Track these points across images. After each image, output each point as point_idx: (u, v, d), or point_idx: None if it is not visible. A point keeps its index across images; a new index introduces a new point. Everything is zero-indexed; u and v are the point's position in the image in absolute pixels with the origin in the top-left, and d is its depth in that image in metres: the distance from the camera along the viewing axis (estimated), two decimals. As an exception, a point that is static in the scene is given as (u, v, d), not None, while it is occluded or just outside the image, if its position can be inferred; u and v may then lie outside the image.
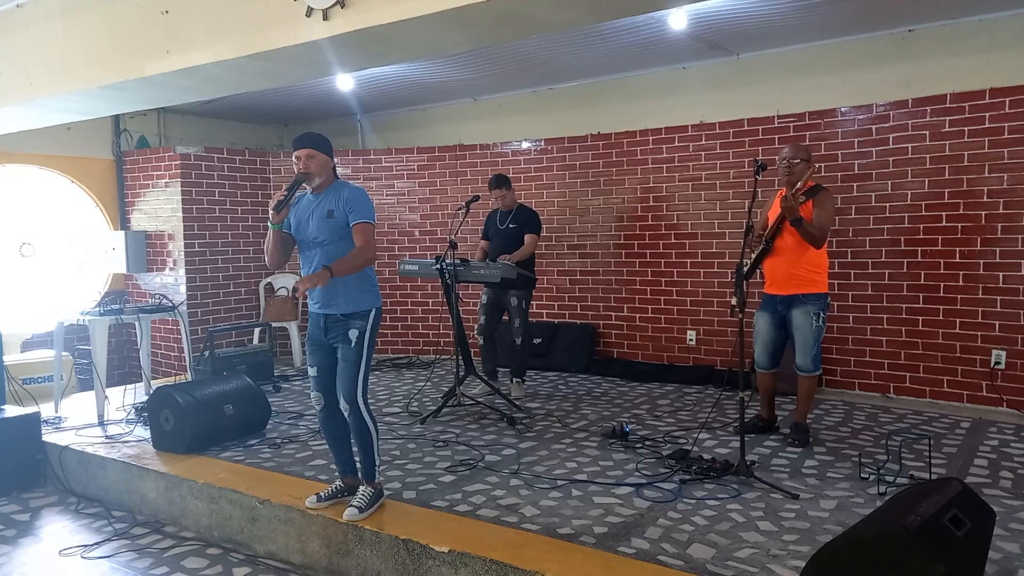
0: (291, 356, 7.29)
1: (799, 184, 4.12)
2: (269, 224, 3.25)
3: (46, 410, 5.16)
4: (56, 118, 5.48)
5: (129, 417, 5.04)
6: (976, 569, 2.42)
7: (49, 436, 4.71)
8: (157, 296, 5.75)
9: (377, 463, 3.41)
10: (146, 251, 7.30)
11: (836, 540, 2.36)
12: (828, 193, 4.25)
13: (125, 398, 5.41)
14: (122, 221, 7.48)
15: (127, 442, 4.58)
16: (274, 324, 7.02)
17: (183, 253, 7.04)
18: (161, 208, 7.19)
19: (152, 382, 5.73)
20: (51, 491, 4.50)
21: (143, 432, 4.69)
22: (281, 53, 3.53)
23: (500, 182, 5.59)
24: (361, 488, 3.37)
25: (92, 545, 3.69)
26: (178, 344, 7.01)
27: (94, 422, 5.01)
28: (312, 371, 3.40)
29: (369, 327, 3.29)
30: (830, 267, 5.46)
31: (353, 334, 3.25)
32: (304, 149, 3.24)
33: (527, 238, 5.49)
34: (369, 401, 3.37)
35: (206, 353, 5.82)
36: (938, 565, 2.09)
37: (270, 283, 7.56)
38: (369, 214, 3.27)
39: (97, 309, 5.29)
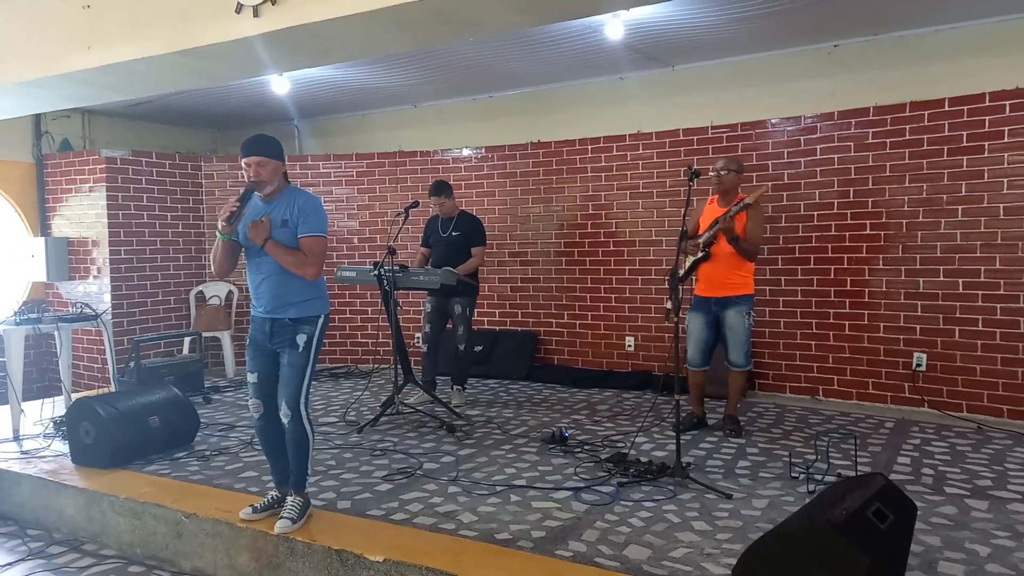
0: (223, 367, 7.07)
1: (740, 204, 4.26)
2: (218, 234, 3.13)
3: (-44, 425, 4.86)
4: (-32, 117, 5.21)
5: (47, 431, 4.79)
6: (899, 561, 2.50)
7: (-41, 452, 4.44)
8: (79, 305, 5.49)
9: (309, 474, 3.33)
10: (68, 258, 6.99)
11: (766, 536, 2.40)
12: (758, 206, 4.45)
13: (43, 411, 5.13)
14: (42, 227, 7.14)
15: (44, 457, 4.35)
16: (205, 333, 6.79)
17: (108, 260, 6.76)
18: (85, 214, 6.89)
19: (73, 395, 5.46)
20: (-41, 511, 4.24)
21: (62, 447, 4.46)
22: (210, 50, 3.43)
23: (440, 189, 5.54)
24: (290, 499, 3.28)
25: (5, 566, 3.47)
26: (102, 355, 6.71)
27: (9, 437, 4.74)
28: (252, 377, 3.29)
29: (317, 333, 3.23)
30: (762, 273, 5.68)
31: (301, 339, 3.19)
32: (254, 156, 3.11)
33: (474, 251, 5.46)
34: (313, 408, 3.29)
35: (131, 364, 5.58)
36: (863, 557, 2.15)
37: (201, 291, 7.33)
38: (321, 227, 3.20)
39: (13, 318, 5.02)
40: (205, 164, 7.47)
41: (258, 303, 3.26)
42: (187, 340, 6.96)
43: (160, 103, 6.77)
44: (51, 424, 4.85)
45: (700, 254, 4.35)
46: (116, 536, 3.66)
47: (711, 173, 4.51)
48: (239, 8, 3.19)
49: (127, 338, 6.61)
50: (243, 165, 3.15)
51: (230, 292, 7.28)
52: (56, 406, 5.35)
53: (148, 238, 7.04)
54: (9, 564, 3.49)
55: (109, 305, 6.62)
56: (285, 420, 3.21)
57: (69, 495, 3.87)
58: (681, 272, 4.41)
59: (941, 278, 5.03)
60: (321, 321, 3.27)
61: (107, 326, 5.35)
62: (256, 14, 3.17)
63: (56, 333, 5.17)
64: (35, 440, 4.68)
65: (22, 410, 4.88)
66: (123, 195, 6.83)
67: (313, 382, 3.34)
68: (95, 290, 6.84)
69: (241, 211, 3.10)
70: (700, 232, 4.48)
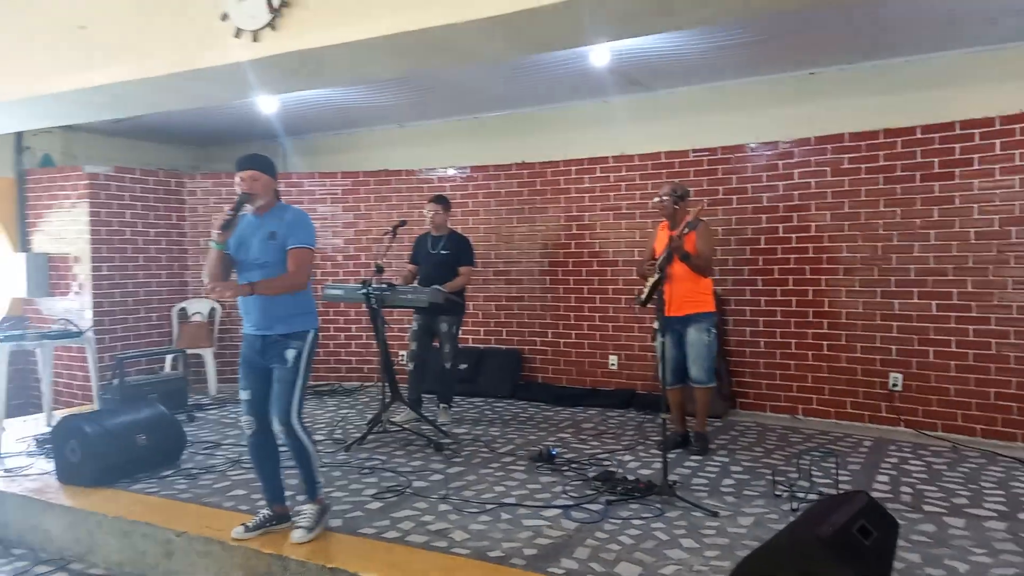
0: (206, 384, 7.03)
1: (684, 223, 4.46)
2: (212, 244, 3.22)
3: (-65, 443, 4.79)
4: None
5: (30, 449, 4.73)
6: (882, 576, 2.58)
7: (-61, 471, 4.38)
8: (61, 321, 5.46)
9: (319, 480, 3.39)
10: (48, 274, 6.92)
11: (755, 552, 2.48)
12: (706, 225, 4.68)
13: (25, 429, 5.07)
14: (22, 243, 7.07)
15: (28, 475, 4.30)
16: (188, 351, 6.76)
17: (90, 277, 6.70)
18: (66, 229, 6.84)
19: (53, 412, 5.41)
20: (-61, 531, 4.18)
21: (46, 465, 4.42)
22: (207, 73, 3.48)
23: (440, 199, 5.66)
24: (306, 507, 3.35)
25: (-12, 587, 3.44)
26: (82, 372, 6.63)
27: (-10, 455, 4.69)
28: (244, 395, 3.34)
29: (307, 348, 3.29)
30: (741, 294, 5.80)
31: (290, 354, 3.24)
32: (247, 171, 3.24)
33: (462, 270, 5.51)
34: (305, 421, 3.34)
35: (115, 381, 5.54)
36: (850, 572, 2.23)
37: (184, 308, 7.29)
38: (308, 239, 3.29)
39: (-4, 335, 4.98)
40: (189, 181, 7.46)
41: (248, 320, 3.31)
42: (169, 357, 6.91)
43: (144, 120, 6.75)
44: (34, 442, 4.80)
45: (656, 276, 4.47)
46: (104, 555, 3.64)
47: (655, 200, 4.76)
48: (238, 33, 3.25)
49: (108, 355, 6.55)
50: (237, 179, 3.25)
51: (213, 309, 7.25)
52: (37, 424, 5.29)
53: (131, 254, 7.00)
54: (-7, 585, 3.46)
55: (91, 322, 6.56)
56: (281, 436, 3.26)
57: (56, 514, 3.84)
58: (643, 296, 4.55)
59: (915, 300, 5.19)
60: (311, 336, 3.33)
61: (91, 343, 5.32)
62: (255, 39, 3.23)
63: (39, 350, 5.13)
64: (18, 458, 4.62)
65: (4, 428, 4.83)
66: (106, 211, 6.80)
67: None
68: (75, 306, 6.77)
69: (235, 220, 3.19)
70: (656, 256, 4.62)
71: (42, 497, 3.93)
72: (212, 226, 3.25)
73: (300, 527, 3.27)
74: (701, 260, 4.52)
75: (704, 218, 4.55)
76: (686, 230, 4.42)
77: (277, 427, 3.25)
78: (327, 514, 3.42)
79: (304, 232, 3.29)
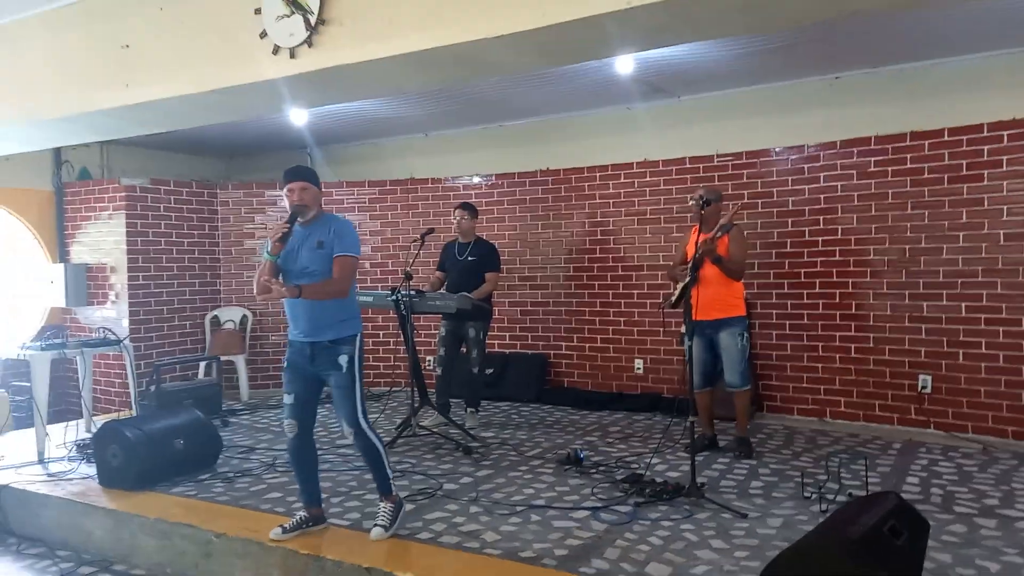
0: (238, 390, 7.17)
1: (718, 226, 4.47)
2: (266, 255, 3.30)
3: (-19, 449, 4.96)
4: (-1, 148, 5.37)
5: (72, 454, 4.88)
6: (913, 576, 2.59)
7: (-14, 475, 4.53)
8: (100, 330, 5.61)
9: (391, 476, 3.49)
10: (86, 284, 7.11)
11: (785, 552, 2.51)
12: (739, 229, 4.69)
13: (66, 435, 5.23)
14: (61, 254, 7.28)
15: (71, 479, 4.44)
16: (221, 358, 6.90)
17: (126, 286, 6.88)
18: (103, 240, 7.03)
19: (92, 418, 5.56)
20: (-12, 532, 4.33)
21: (87, 469, 4.56)
22: (245, 89, 3.59)
23: (467, 205, 5.76)
24: (381, 505, 3.46)
25: (36, 587, 3.56)
26: (119, 379, 6.80)
27: (34, 460, 4.83)
28: (288, 399, 3.43)
29: (356, 351, 3.38)
30: (768, 297, 5.80)
31: (343, 360, 3.33)
32: (298, 182, 3.34)
33: (488, 276, 5.59)
34: (370, 419, 3.44)
35: (151, 387, 5.69)
36: (881, 572, 2.25)
37: (216, 316, 7.45)
38: (353, 247, 3.38)
39: (38, 343, 5.14)
40: (221, 191, 7.63)
41: (295, 327, 3.40)
42: (202, 364, 7.06)
43: (177, 132, 6.88)
44: (75, 447, 4.94)
45: (688, 279, 4.49)
46: (145, 556, 3.75)
47: (690, 203, 4.77)
48: (276, 50, 3.36)
49: (144, 362, 6.71)
50: (286, 191, 3.35)
51: (244, 317, 7.40)
52: (78, 429, 5.44)
53: (165, 264, 7.17)
54: (41, 584, 3.58)
55: (127, 330, 6.73)
56: (350, 439, 3.39)
57: (98, 516, 3.96)
58: (673, 298, 4.58)
59: (944, 302, 5.16)
60: (358, 340, 3.43)
61: (129, 351, 5.47)
62: (292, 56, 3.33)
63: (79, 358, 5.28)
64: (60, 463, 4.77)
65: (47, 433, 4.98)
66: (142, 222, 6.98)
67: (326, 404, 3.47)
68: (112, 315, 6.95)
69: (291, 232, 3.28)
70: (688, 260, 4.65)
71: (85, 500, 4.06)
72: (268, 237, 3.31)
73: (379, 525, 3.39)
74: (733, 264, 4.53)
75: (738, 222, 4.56)
76: (719, 233, 4.44)
77: (347, 430, 3.36)
78: (403, 510, 3.52)
79: (350, 241, 3.38)
